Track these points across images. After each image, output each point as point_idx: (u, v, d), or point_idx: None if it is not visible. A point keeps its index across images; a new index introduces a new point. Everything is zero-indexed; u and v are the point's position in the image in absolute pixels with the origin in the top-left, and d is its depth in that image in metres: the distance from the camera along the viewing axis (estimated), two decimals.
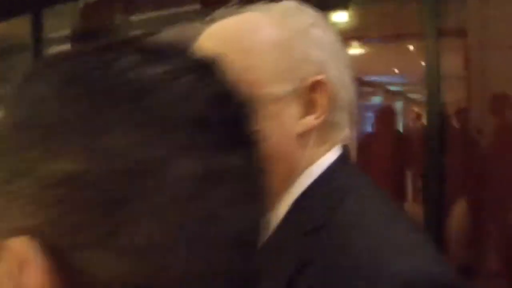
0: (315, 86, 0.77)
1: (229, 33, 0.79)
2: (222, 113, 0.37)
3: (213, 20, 0.81)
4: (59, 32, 4.72)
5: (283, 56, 0.77)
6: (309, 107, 0.78)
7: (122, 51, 0.38)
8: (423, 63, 2.98)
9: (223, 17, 0.80)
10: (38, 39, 4.67)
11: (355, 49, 4.50)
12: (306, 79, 0.77)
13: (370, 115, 4.49)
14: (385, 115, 4.33)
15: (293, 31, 0.78)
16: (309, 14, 0.81)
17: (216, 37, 0.78)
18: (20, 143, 0.36)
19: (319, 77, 0.77)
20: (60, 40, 4.71)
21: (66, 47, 4.66)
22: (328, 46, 0.80)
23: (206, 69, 0.38)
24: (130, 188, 0.34)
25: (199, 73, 0.38)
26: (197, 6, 4.23)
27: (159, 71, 0.36)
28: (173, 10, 4.28)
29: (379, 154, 3.97)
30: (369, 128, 4.67)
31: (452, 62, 3.40)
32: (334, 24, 3.99)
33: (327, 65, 0.78)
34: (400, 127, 5.77)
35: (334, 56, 0.80)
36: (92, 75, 0.36)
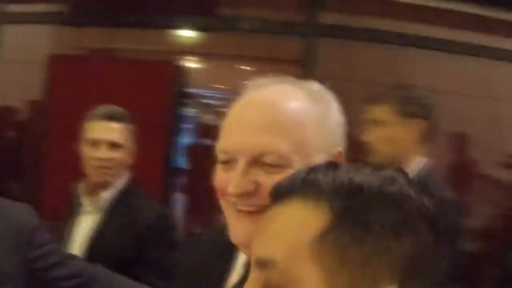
0: (337, 157, 0.89)
1: (280, 106, 0.86)
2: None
3: (251, 89, 0.89)
4: None
5: (324, 129, 0.89)
6: None
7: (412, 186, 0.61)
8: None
9: (260, 87, 0.90)
10: None
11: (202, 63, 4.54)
12: (335, 150, 0.90)
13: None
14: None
15: (328, 108, 0.91)
16: (331, 95, 0.94)
17: (266, 109, 0.86)
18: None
19: (339, 149, 0.91)
20: None
21: None
22: (340, 121, 0.93)
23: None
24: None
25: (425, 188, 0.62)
26: (65, 5, 4.11)
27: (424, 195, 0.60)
28: (45, 7, 4.12)
29: None
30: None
31: None
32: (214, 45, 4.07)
33: (341, 139, 0.92)
34: None
35: (342, 129, 0.93)
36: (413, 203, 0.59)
